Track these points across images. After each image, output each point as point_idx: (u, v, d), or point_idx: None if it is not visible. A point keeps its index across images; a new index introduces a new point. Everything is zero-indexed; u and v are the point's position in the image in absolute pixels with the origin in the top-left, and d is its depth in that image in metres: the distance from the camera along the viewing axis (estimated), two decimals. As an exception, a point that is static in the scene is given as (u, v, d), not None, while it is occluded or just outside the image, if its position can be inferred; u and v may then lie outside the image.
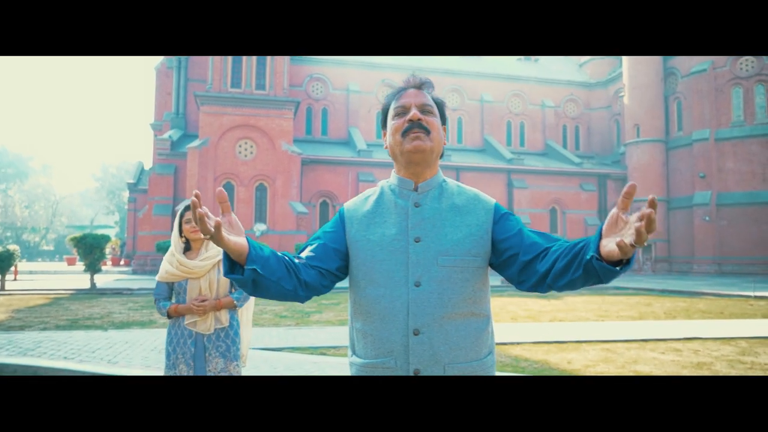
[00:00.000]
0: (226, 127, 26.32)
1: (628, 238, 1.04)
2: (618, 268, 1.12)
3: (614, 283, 20.79)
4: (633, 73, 31.71)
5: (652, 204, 1.02)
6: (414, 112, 1.42)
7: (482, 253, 1.41)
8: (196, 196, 1.14)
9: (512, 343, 7.13)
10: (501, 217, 1.44)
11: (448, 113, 26.91)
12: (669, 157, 31.20)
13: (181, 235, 3.16)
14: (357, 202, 1.54)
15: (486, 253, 1.42)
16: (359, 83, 33.62)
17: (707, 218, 27.99)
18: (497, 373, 1.41)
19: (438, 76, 34.49)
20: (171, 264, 3.08)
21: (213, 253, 3.08)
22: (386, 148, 1.52)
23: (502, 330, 8.27)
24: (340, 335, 7.74)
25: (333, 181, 28.92)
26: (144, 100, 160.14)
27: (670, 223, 30.77)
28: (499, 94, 35.93)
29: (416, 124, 1.41)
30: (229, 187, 26.37)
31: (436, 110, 1.47)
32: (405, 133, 1.42)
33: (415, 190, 1.46)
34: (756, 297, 14.52)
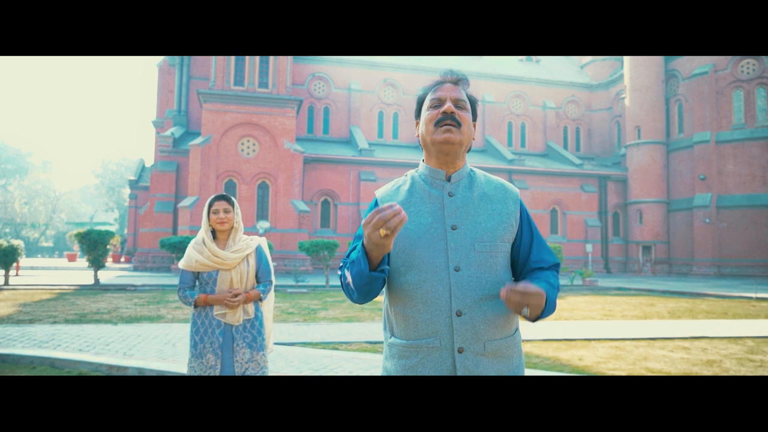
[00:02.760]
0: (229, 125, 26.34)
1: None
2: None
3: (616, 283, 20.86)
4: (634, 75, 31.80)
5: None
6: (448, 105, 1.50)
7: (510, 239, 1.55)
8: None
9: (521, 340, 7.18)
10: (523, 220, 1.59)
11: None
12: (669, 159, 31.31)
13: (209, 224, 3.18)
14: (389, 192, 1.62)
15: (512, 239, 1.55)
16: (361, 82, 33.67)
17: (707, 220, 28.10)
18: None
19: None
20: (201, 253, 3.07)
21: (242, 246, 3.12)
22: (417, 137, 1.62)
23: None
24: (350, 331, 7.79)
25: (334, 180, 28.95)
26: (145, 97, 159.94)
27: (670, 225, 30.88)
28: (501, 95, 36.00)
29: (449, 117, 1.50)
30: (231, 185, 26.39)
31: (469, 106, 1.56)
32: (437, 123, 1.50)
33: (448, 180, 1.56)
34: (757, 298, 14.61)
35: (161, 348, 6.07)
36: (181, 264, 3.14)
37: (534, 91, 36.63)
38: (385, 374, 1.57)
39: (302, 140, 30.64)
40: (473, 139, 1.60)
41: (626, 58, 32.78)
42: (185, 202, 25.09)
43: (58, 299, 12.10)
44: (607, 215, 32.27)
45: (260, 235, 19.51)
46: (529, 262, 1.57)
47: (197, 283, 3.17)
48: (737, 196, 27.85)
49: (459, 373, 1.43)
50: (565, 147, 36.79)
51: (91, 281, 16.56)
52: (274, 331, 7.71)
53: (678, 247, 30.20)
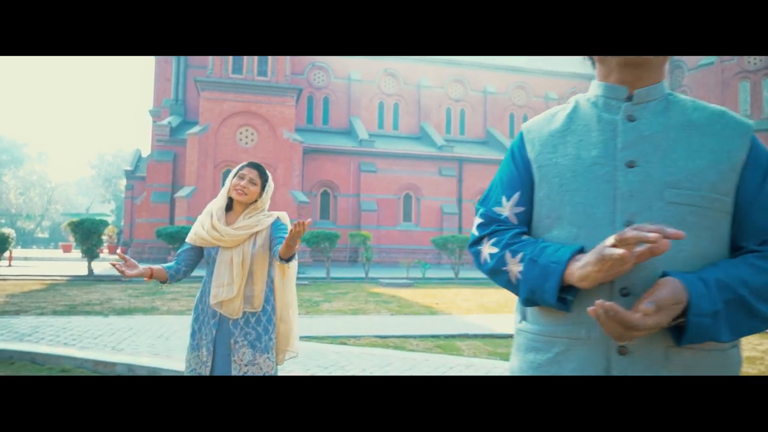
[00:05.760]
0: (227, 114, 25.78)
1: None
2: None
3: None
4: (640, 66, 31.37)
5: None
6: None
7: (730, 192, 0.99)
8: None
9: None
10: (752, 165, 1.03)
11: (450, 104, 26.95)
12: (674, 151, 30.94)
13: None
14: (540, 120, 1.15)
15: (732, 191, 1.00)
16: (361, 72, 33.09)
17: (713, 213, 27.77)
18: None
19: (441, 66, 34.03)
20: (203, 225, 2.57)
21: (251, 222, 2.55)
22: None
23: (494, 322, 7.87)
24: (357, 324, 7.33)
25: (334, 170, 28.46)
26: (141, 88, 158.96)
27: (674, 218, 30.55)
28: (503, 86, 35.47)
29: None
30: (229, 174, 25.91)
31: None
32: None
33: (629, 99, 1.04)
34: None
35: (153, 342, 5.59)
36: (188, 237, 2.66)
37: (536, 82, 36.10)
38: (510, 374, 1.11)
39: (301, 130, 30.09)
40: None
41: (631, 49, 32.34)
42: (182, 192, 24.57)
43: (49, 290, 11.62)
44: (610, 208, 31.93)
45: None
46: (745, 232, 0.99)
47: (206, 261, 2.64)
48: (743, 189, 27.51)
49: None
50: (568, 139, 36.37)
51: (85, 272, 16.06)
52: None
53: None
